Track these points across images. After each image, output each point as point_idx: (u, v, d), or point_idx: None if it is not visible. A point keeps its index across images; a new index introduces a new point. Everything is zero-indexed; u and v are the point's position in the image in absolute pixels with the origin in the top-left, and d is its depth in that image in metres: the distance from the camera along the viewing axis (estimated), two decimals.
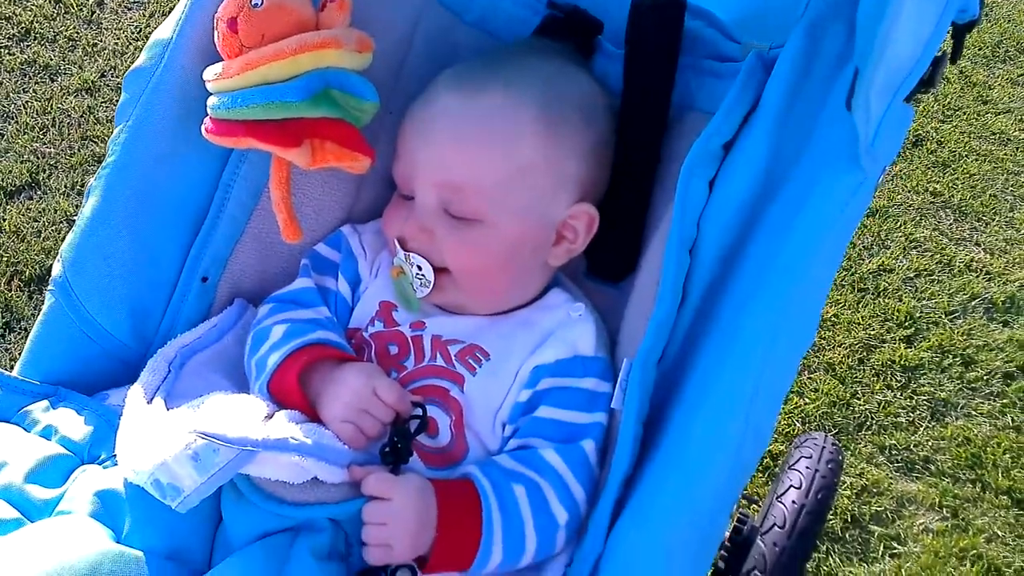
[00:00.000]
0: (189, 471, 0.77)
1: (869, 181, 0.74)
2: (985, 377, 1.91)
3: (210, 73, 0.92)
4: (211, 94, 0.92)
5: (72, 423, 0.90)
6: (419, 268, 0.94)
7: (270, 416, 0.84)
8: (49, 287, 0.97)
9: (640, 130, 0.98)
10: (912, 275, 2.09)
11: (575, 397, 0.90)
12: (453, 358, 0.93)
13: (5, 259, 1.92)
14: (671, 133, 0.99)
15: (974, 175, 2.30)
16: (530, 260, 0.97)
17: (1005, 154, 2.36)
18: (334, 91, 0.91)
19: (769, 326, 0.77)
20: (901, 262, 2.11)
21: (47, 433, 0.90)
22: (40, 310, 0.98)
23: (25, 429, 0.91)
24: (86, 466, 0.87)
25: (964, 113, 2.46)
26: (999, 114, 2.46)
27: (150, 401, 0.89)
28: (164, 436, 0.80)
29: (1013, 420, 1.84)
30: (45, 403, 0.93)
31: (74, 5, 2.47)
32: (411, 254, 0.94)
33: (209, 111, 0.92)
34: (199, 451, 0.77)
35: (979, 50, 2.64)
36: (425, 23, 1.07)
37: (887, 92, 0.70)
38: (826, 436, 1.52)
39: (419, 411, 0.87)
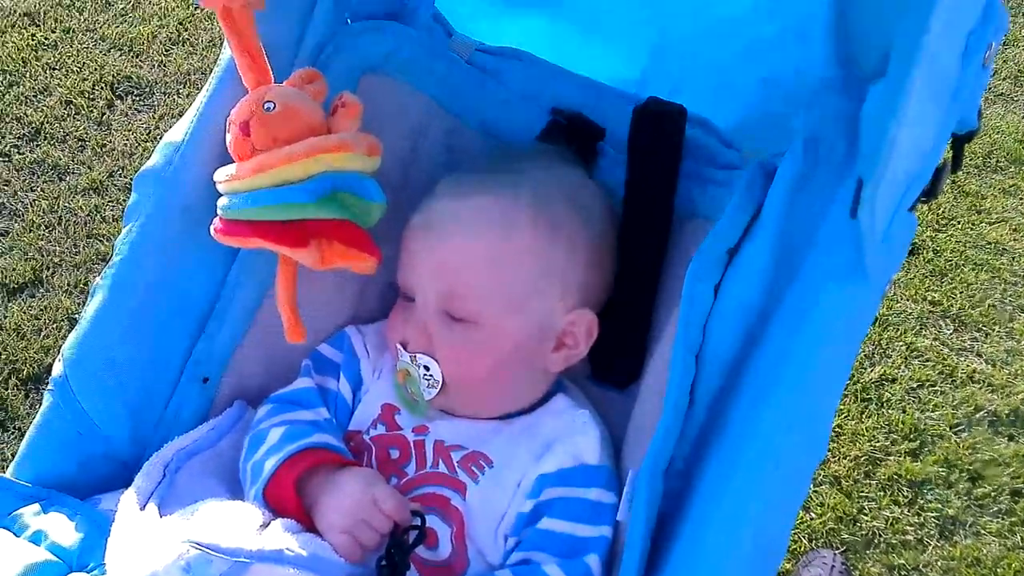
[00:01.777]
0: None
1: (875, 291, 0.74)
2: (993, 494, 1.87)
3: (222, 174, 0.93)
4: (221, 195, 0.93)
5: (63, 529, 0.87)
6: (426, 368, 0.93)
7: (265, 525, 0.82)
8: (48, 386, 0.96)
9: (643, 235, 0.99)
10: (915, 385, 2.08)
11: (579, 508, 0.88)
12: (456, 465, 0.91)
13: (4, 356, 1.90)
14: (673, 240, 1.00)
15: (971, 284, 2.31)
16: (528, 365, 0.96)
17: (1001, 264, 2.38)
18: (342, 193, 0.92)
19: (777, 438, 0.75)
20: (903, 372, 2.10)
21: (37, 538, 0.86)
22: (36, 409, 0.96)
23: (15, 533, 0.88)
24: (75, 574, 0.84)
25: (959, 222, 2.50)
26: (993, 223, 2.49)
27: (143, 507, 0.86)
28: (155, 546, 0.77)
29: (1023, 540, 1.79)
30: (37, 506, 0.90)
31: (85, 106, 2.53)
32: (417, 354, 0.93)
33: (219, 211, 0.93)
34: (192, 562, 0.74)
35: (970, 160, 2.68)
36: (431, 127, 1.09)
37: (891, 202, 0.70)
38: (835, 555, 1.47)
39: (417, 520, 0.84)
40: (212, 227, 0.94)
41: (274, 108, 0.91)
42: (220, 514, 0.81)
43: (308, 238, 0.91)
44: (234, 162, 0.94)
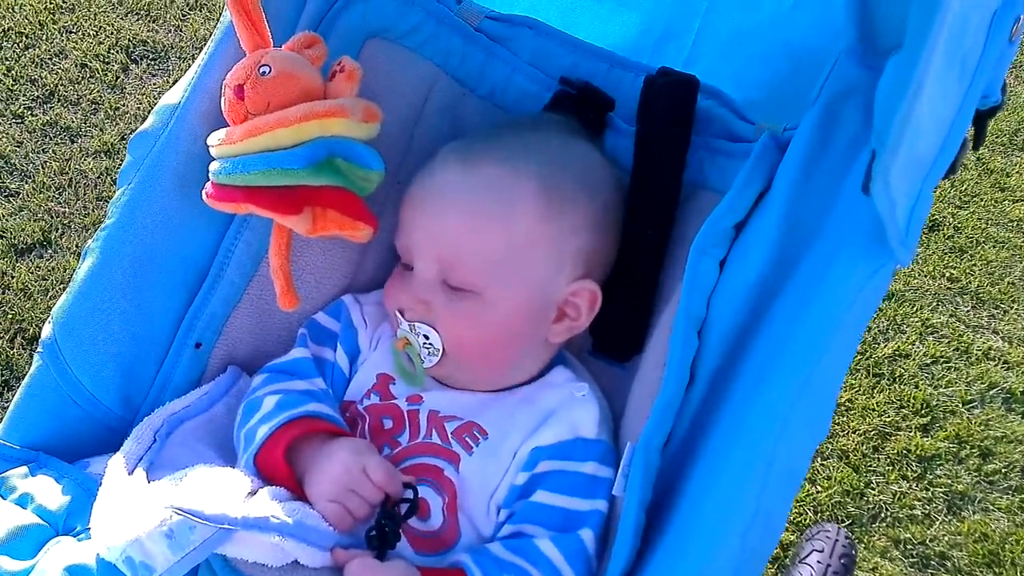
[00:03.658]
0: (163, 549, 0.73)
1: (888, 266, 0.72)
2: (1003, 470, 1.85)
3: (214, 138, 0.91)
4: (214, 159, 0.91)
5: (50, 492, 0.87)
6: (426, 337, 0.92)
7: (253, 492, 0.81)
8: (38, 349, 0.95)
9: (650, 207, 0.96)
10: (929, 361, 2.05)
11: (574, 482, 0.86)
12: (450, 436, 0.90)
13: (11, 316, 1.91)
14: (681, 212, 0.97)
15: (991, 262, 2.27)
16: (528, 336, 0.94)
17: (1023, 242, 2.33)
18: (338, 160, 0.90)
19: (781, 412, 0.73)
20: (917, 348, 2.07)
21: (23, 501, 0.86)
22: None
23: (1, 496, 0.88)
24: (60, 538, 0.83)
25: (981, 200, 2.45)
26: (1016, 201, 2.44)
27: (131, 472, 0.85)
28: (140, 511, 0.76)
29: None
30: (24, 469, 0.90)
31: (99, 70, 2.51)
32: (416, 323, 0.92)
33: (211, 176, 0.91)
34: (174, 528, 0.74)
35: (996, 138, 2.63)
36: (436, 94, 1.07)
37: (916, 179, 0.68)
38: (839, 528, 1.46)
39: (410, 493, 0.83)
40: (204, 192, 0.92)
41: (269, 72, 0.89)
42: (207, 480, 0.80)
43: (301, 205, 0.89)
44: (228, 126, 0.92)
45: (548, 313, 0.93)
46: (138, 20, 2.68)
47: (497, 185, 0.91)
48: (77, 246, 2.08)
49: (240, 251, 1.00)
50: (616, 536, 0.79)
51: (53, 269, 2.02)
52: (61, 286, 1.99)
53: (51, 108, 2.40)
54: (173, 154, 0.96)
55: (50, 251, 2.07)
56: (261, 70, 0.88)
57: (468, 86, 1.08)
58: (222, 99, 0.92)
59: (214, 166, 0.90)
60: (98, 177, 2.25)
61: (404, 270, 0.97)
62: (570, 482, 0.86)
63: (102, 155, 2.30)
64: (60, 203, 2.18)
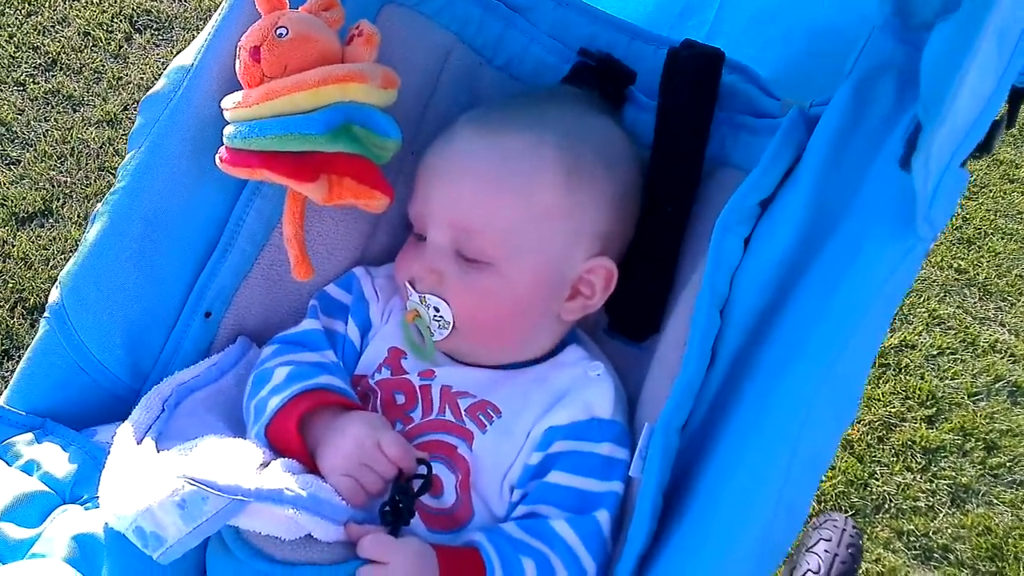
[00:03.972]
0: (174, 519, 0.71)
1: (921, 246, 0.70)
2: (1008, 464, 1.84)
3: (229, 102, 0.89)
4: (228, 123, 0.89)
5: (56, 459, 0.85)
6: (436, 310, 0.90)
7: (265, 464, 0.79)
8: (45, 314, 0.93)
9: (670, 183, 0.94)
10: (935, 353, 2.03)
11: (590, 463, 0.85)
12: (463, 413, 0.88)
13: (11, 285, 1.88)
14: (702, 188, 0.95)
15: (999, 253, 2.26)
16: (541, 312, 0.92)
17: None
18: (355, 127, 0.88)
19: (807, 396, 0.71)
20: (924, 339, 2.06)
21: (29, 468, 0.85)
22: None
23: (7, 462, 0.86)
24: (67, 506, 0.82)
25: (990, 191, 2.43)
26: None
27: (140, 441, 0.84)
28: (150, 480, 0.74)
29: None
30: (30, 436, 0.88)
31: (102, 39, 2.47)
32: (427, 295, 0.90)
33: (225, 140, 0.89)
34: (187, 498, 0.72)
35: (1007, 129, 2.62)
36: (452, 64, 1.04)
37: (945, 154, 0.66)
38: (846, 518, 1.45)
39: (423, 469, 0.81)
40: (217, 156, 0.90)
41: (287, 34, 0.86)
42: (219, 451, 0.79)
43: (317, 172, 0.87)
44: (243, 89, 0.90)
45: (562, 289, 0.92)
46: None
47: (517, 154, 0.89)
48: (79, 216, 2.05)
49: (252, 219, 0.98)
50: (632, 518, 0.78)
51: (54, 239, 2.00)
52: (62, 256, 1.97)
53: (53, 76, 2.37)
54: (185, 117, 0.94)
55: (51, 220, 2.04)
56: (278, 32, 0.86)
57: (485, 56, 1.05)
58: (237, 61, 0.90)
59: (229, 130, 0.88)
60: (100, 147, 2.22)
61: (417, 240, 0.95)
62: (585, 463, 0.85)
63: (104, 124, 2.27)
64: (62, 172, 2.15)
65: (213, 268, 0.98)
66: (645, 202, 0.95)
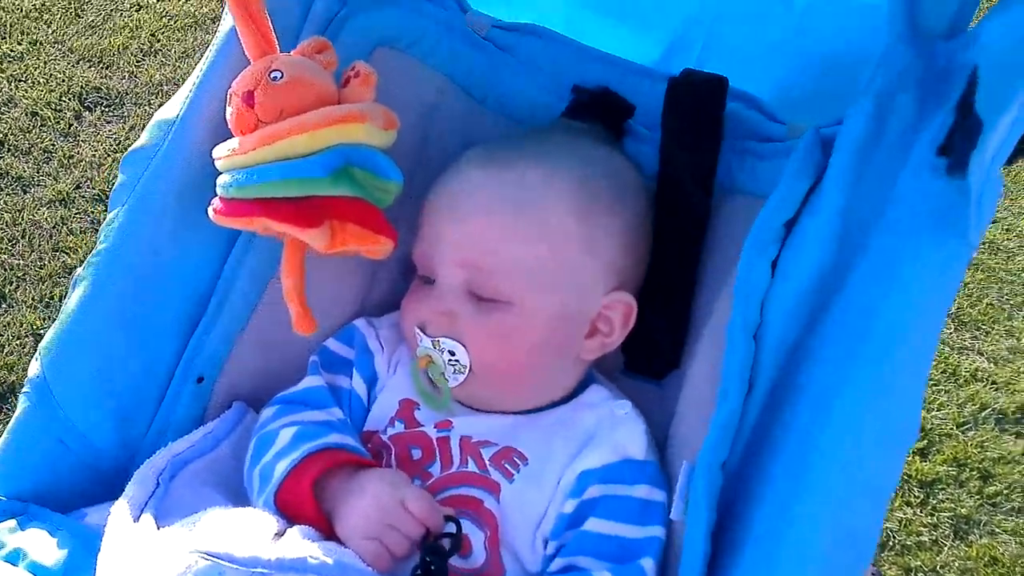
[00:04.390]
0: None
1: (967, 251, 0.68)
2: (1005, 492, 1.82)
3: (222, 150, 0.85)
4: (221, 173, 0.84)
5: (44, 546, 0.77)
6: (451, 354, 0.85)
7: (280, 533, 0.73)
8: (24, 388, 0.86)
9: (681, 213, 0.92)
10: None
11: (628, 507, 0.80)
12: (487, 462, 0.83)
13: None
14: (712, 218, 0.93)
15: (968, 283, 2.28)
16: (560, 351, 0.88)
17: (996, 263, 2.35)
18: (356, 169, 0.84)
19: (862, 419, 0.68)
20: None
21: (14, 558, 0.76)
22: (1, 428, 0.86)
23: None
24: None
25: None
26: (990, 223, 2.47)
27: (137, 519, 0.76)
28: (155, 559, 0.68)
29: None
30: (13, 522, 0.80)
31: (51, 118, 2.41)
32: (440, 339, 0.85)
33: (219, 191, 0.84)
34: (201, 574, 0.65)
35: None
36: (446, 106, 1.02)
37: (991, 154, 0.64)
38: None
39: (451, 526, 0.75)
40: (211, 208, 0.85)
41: (282, 77, 0.83)
42: (229, 522, 0.72)
43: (320, 218, 0.82)
44: (234, 138, 0.86)
45: (582, 327, 0.88)
46: (90, 67, 2.58)
47: (532, 185, 0.86)
48: (33, 299, 1.96)
49: (244, 277, 0.93)
50: (681, 565, 0.73)
51: (9, 324, 1.90)
52: (18, 341, 1.87)
53: (1, 158, 2.29)
54: (172, 171, 0.89)
55: (4, 305, 1.95)
56: (272, 75, 0.82)
57: (476, 97, 1.03)
58: (228, 108, 0.85)
59: (223, 179, 0.83)
60: (53, 227, 2.14)
61: (423, 283, 0.90)
62: (623, 508, 0.80)
63: (56, 204, 2.19)
64: (14, 255, 2.06)
65: (205, 329, 0.92)
66: (657, 234, 0.93)
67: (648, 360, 0.93)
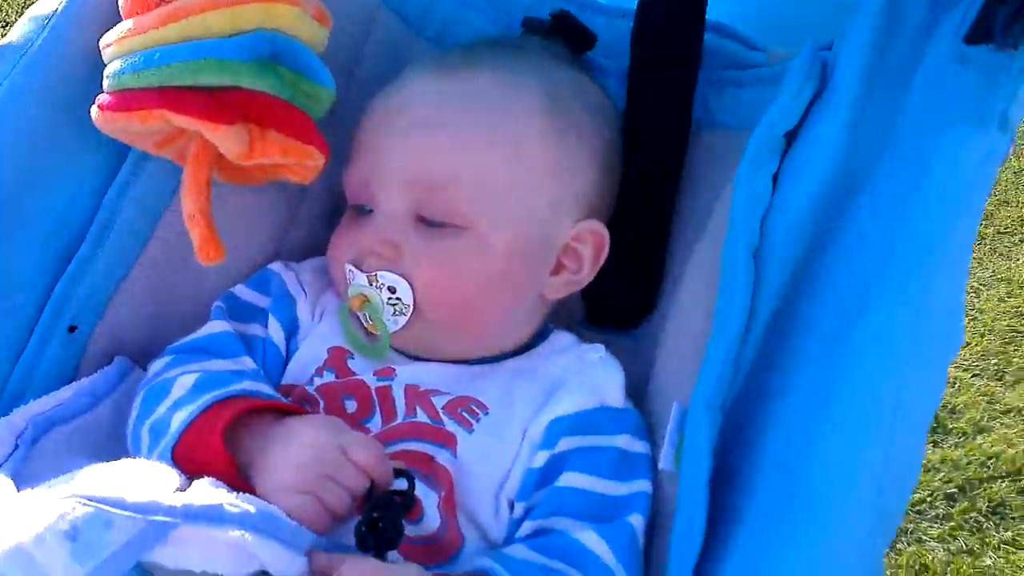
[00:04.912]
0: (63, 557, 0.48)
1: (997, 151, 0.62)
2: (928, 499, 1.80)
3: (113, 34, 0.69)
4: (113, 60, 0.69)
5: None
6: (392, 291, 0.71)
7: (183, 489, 0.56)
8: None
9: (655, 147, 0.82)
10: None
11: (608, 459, 0.68)
12: (440, 412, 0.69)
13: None
14: (687, 153, 0.83)
15: None
16: (520, 289, 0.76)
17: None
18: (282, 68, 0.70)
19: (897, 331, 0.59)
20: None
21: None
22: None
23: None
24: None
25: None
26: None
27: None
28: (20, 511, 0.51)
29: (965, 544, 1.71)
30: None
31: None
32: (378, 273, 0.71)
33: (107, 83, 0.69)
34: (80, 525, 0.49)
35: None
36: (377, 34, 0.89)
37: None
38: None
39: (403, 482, 0.61)
40: (95, 106, 0.69)
41: None
42: (116, 472, 0.55)
43: (235, 116, 0.67)
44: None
45: (547, 260, 0.76)
46: None
47: (491, 92, 0.74)
48: None
49: (131, 205, 0.76)
50: (677, 522, 0.61)
51: None
52: None
53: None
54: (45, 70, 0.74)
55: None
56: None
57: (413, 24, 0.91)
58: None
59: (114, 66, 0.68)
60: None
61: (356, 215, 0.77)
62: (603, 460, 0.68)
63: None
64: None
65: (79, 268, 0.75)
66: (627, 166, 0.82)
67: (618, 307, 0.82)
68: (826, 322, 0.63)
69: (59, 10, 0.75)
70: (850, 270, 0.63)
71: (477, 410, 0.69)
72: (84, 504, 0.49)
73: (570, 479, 0.66)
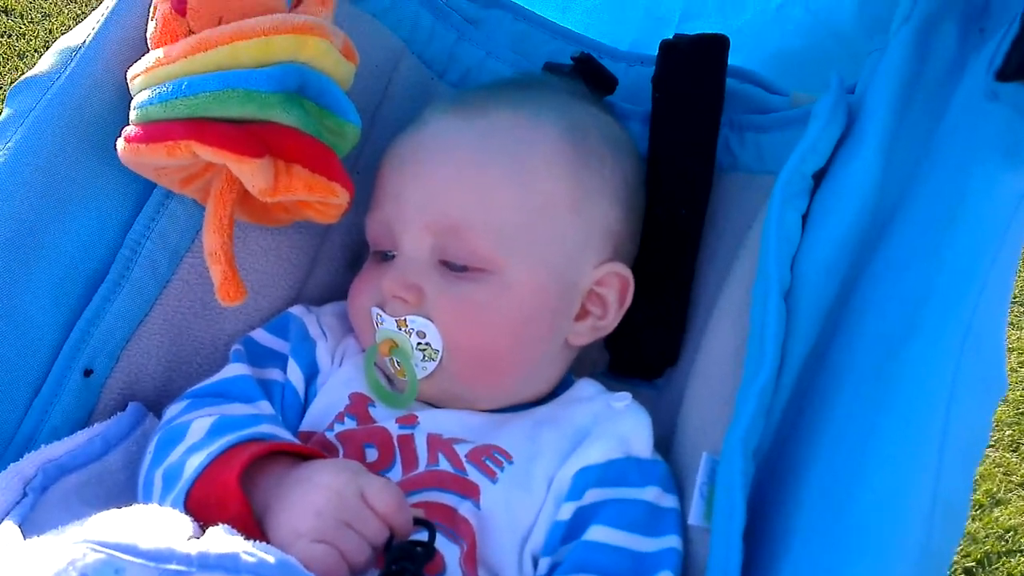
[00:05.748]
0: None
1: None
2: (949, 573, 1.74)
3: (141, 65, 0.69)
4: (140, 92, 0.68)
5: None
6: (421, 335, 0.69)
7: (197, 536, 0.54)
8: None
9: (677, 192, 0.81)
10: None
11: (637, 514, 0.65)
12: (463, 459, 0.66)
13: None
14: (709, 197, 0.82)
15: None
16: (548, 332, 0.73)
17: None
18: (308, 102, 0.69)
19: (937, 373, 0.57)
20: None
21: None
22: None
23: None
24: None
25: None
26: None
27: None
28: (29, 556, 0.48)
29: None
30: None
31: None
32: (407, 317, 0.70)
33: (134, 115, 0.68)
34: (90, 573, 0.46)
35: None
36: (401, 76, 0.89)
37: None
38: None
39: (423, 533, 0.58)
40: (121, 138, 0.68)
41: None
42: (129, 517, 0.53)
43: (262, 149, 0.66)
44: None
45: (572, 305, 0.74)
46: None
47: (511, 134, 0.73)
48: None
49: (153, 244, 0.75)
50: None
51: None
52: None
53: None
54: (71, 104, 0.73)
55: None
56: None
57: (436, 69, 0.91)
58: (151, 23, 0.70)
59: (141, 96, 0.67)
60: None
61: (379, 260, 0.75)
62: (632, 514, 0.65)
63: None
64: None
65: (98, 310, 0.73)
66: (650, 209, 0.81)
67: (639, 358, 0.80)
68: (865, 359, 0.61)
69: (87, 43, 0.74)
70: (889, 306, 0.61)
71: (501, 459, 0.67)
72: (95, 550, 0.46)
73: (598, 533, 0.63)
